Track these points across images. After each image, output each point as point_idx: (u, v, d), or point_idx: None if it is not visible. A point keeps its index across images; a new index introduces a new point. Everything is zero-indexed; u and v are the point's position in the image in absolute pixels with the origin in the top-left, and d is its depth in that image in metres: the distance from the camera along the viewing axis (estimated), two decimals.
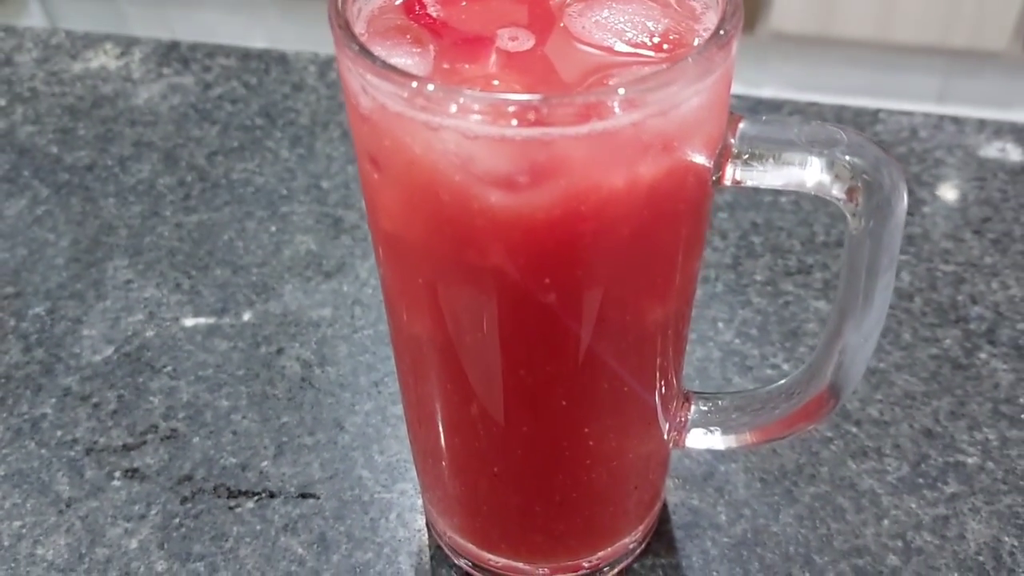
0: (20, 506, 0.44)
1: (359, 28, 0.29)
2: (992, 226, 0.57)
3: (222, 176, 0.63)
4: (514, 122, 0.24)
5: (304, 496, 0.44)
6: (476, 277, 0.29)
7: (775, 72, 1.59)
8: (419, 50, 0.28)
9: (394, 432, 0.47)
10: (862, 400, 0.48)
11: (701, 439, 0.38)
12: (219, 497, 0.44)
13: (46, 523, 0.44)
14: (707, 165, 0.29)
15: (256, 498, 0.44)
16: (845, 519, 0.43)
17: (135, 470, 0.46)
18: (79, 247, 0.58)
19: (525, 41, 0.29)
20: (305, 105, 0.69)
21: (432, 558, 0.42)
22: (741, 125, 0.29)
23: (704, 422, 0.38)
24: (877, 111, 0.66)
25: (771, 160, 0.29)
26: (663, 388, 0.35)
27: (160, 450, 0.46)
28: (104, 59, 0.74)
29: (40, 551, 0.42)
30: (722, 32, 0.27)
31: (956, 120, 0.65)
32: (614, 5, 0.29)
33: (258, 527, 0.43)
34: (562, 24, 0.29)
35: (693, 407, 0.38)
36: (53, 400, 0.49)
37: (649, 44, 0.28)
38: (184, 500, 0.44)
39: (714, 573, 0.41)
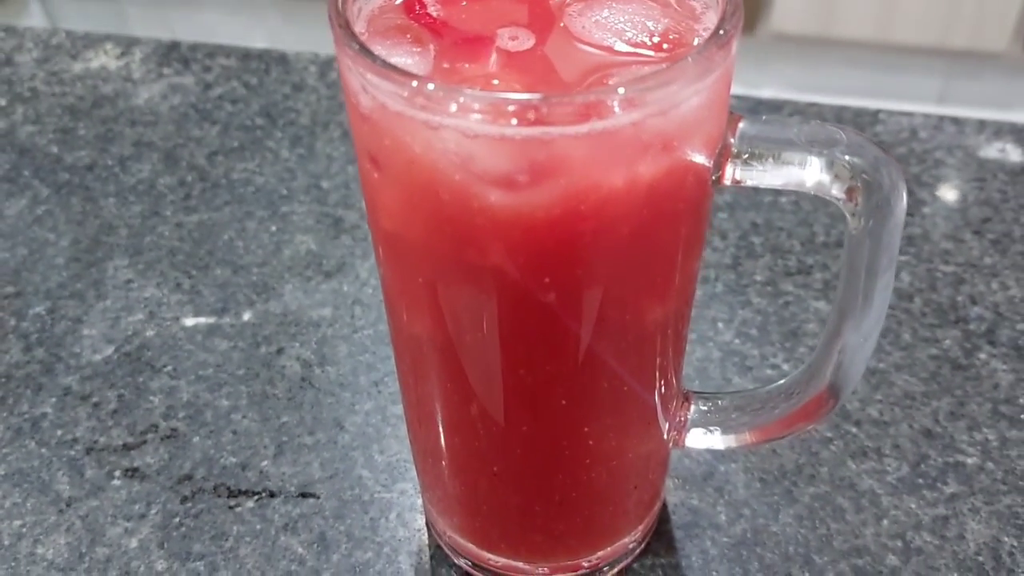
0: (20, 505, 0.44)
1: (359, 27, 0.29)
2: (992, 227, 0.57)
3: (222, 176, 0.63)
4: (514, 121, 0.24)
5: (304, 496, 0.44)
6: (476, 276, 0.29)
7: (775, 73, 1.59)
8: (419, 49, 0.28)
9: (394, 432, 0.47)
10: (862, 400, 0.48)
11: (701, 439, 0.38)
12: (219, 496, 0.44)
13: (46, 522, 0.44)
14: (707, 165, 0.29)
15: (256, 497, 0.44)
16: (845, 519, 0.43)
17: (135, 469, 0.46)
18: (79, 247, 0.58)
19: (525, 41, 0.29)
20: (305, 105, 0.69)
21: (432, 558, 0.42)
22: (741, 125, 0.29)
23: (704, 422, 0.38)
24: (877, 112, 0.66)
25: (771, 160, 0.29)
26: (663, 388, 0.35)
27: (160, 449, 0.47)
28: (104, 59, 0.74)
29: (40, 550, 0.42)
30: (722, 32, 0.27)
31: (956, 121, 0.65)
32: (614, 5, 0.29)
33: (258, 526, 0.43)
34: (562, 24, 0.29)
35: (693, 407, 0.38)
36: (53, 399, 0.49)
37: (649, 44, 0.28)
38: (184, 499, 0.44)
39: (714, 573, 0.41)
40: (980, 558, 0.41)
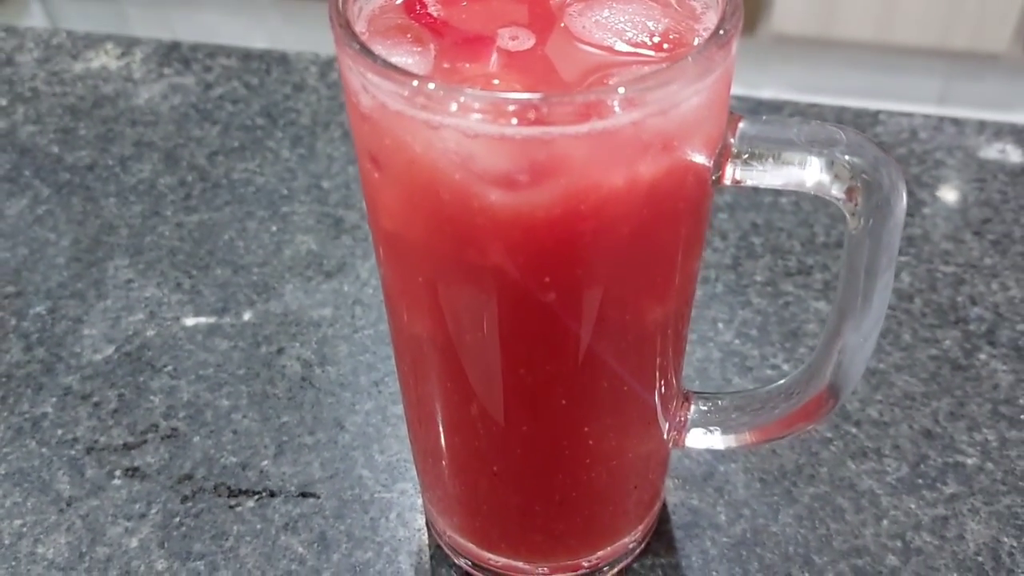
0: (21, 505, 0.44)
1: (360, 27, 0.29)
2: (992, 227, 0.57)
3: (223, 176, 0.63)
4: (514, 121, 0.24)
5: (304, 495, 0.44)
6: (476, 276, 0.29)
7: (776, 74, 1.59)
8: (419, 49, 0.28)
9: (394, 432, 0.47)
10: (862, 401, 0.48)
11: (701, 439, 0.38)
12: (219, 496, 0.44)
13: (47, 522, 0.44)
14: (707, 164, 0.29)
15: (256, 497, 0.44)
16: (844, 519, 0.43)
17: (135, 469, 0.46)
18: (80, 246, 0.58)
19: (525, 41, 0.29)
20: (306, 105, 0.69)
21: (432, 557, 0.42)
22: (741, 125, 0.29)
23: (704, 422, 0.38)
24: (877, 112, 0.66)
25: (771, 160, 0.29)
26: (663, 388, 0.35)
27: (160, 449, 0.47)
28: (105, 59, 0.74)
29: (41, 550, 0.43)
30: (722, 32, 0.27)
31: (956, 121, 0.65)
32: (614, 5, 0.29)
33: (258, 526, 0.43)
34: (562, 24, 0.29)
35: (693, 407, 0.38)
36: (54, 399, 0.49)
37: (649, 44, 0.28)
38: (184, 499, 0.44)
39: (713, 573, 0.41)
40: (980, 558, 0.41)
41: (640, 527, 0.41)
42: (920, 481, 0.44)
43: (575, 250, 0.28)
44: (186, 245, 0.58)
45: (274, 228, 0.59)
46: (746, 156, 0.29)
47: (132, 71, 0.73)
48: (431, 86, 0.25)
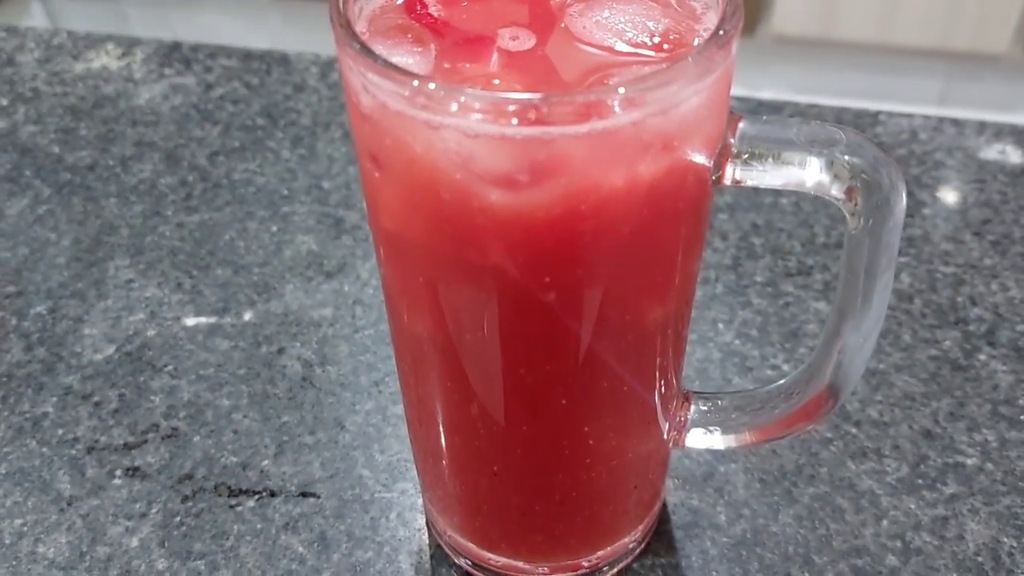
0: (21, 504, 0.44)
1: (360, 27, 0.29)
2: (992, 228, 0.57)
3: (223, 176, 0.63)
4: (514, 121, 0.24)
5: (305, 495, 0.44)
6: (476, 276, 0.29)
7: (776, 75, 1.59)
8: (420, 49, 0.28)
9: (395, 431, 0.47)
10: (862, 401, 0.48)
11: (701, 439, 0.38)
12: (220, 496, 0.45)
13: (47, 521, 0.44)
14: (707, 164, 0.29)
15: (257, 497, 0.44)
16: (844, 519, 0.43)
17: (136, 469, 0.46)
18: (80, 246, 0.58)
19: (526, 41, 0.29)
20: (306, 106, 0.69)
21: (432, 557, 0.42)
22: (741, 125, 0.29)
23: (704, 422, 0.38)
24: (877, 113, 0.66)
25: (771, 160, 0.29)
26: (663, 388, 0.35)
27: (161, 449, 0.47)
28: (106, 59, 0.74)
29: (41, 549, 0.43)
30: (722, 32, 0.27)
31: (956, 122, 0.65)
32: (615, 5, 0.30)
33: (259, 526, 0.43)
34: (563, 24, 0.29)
35: (693, 407, 0.38)
36: (54, 399, 0.49)
37: (649, 44, 0.29)
38: (185, 499, 0.44)
39: (713, 573, 0.41)
40: (979, 558, 0.41)
41: (640, 527, 0.41)
42: (920, 481, 0.44)
43: (575, 250, 0.28)
44: (187, 245, 0.58)
45: (275, 228, 0.59)
46: (746, 156, 0.29)
47: (133, 71, 0.73)
48: (432, 86, 0.25)
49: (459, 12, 0.30)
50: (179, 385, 0.50)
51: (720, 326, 0.52)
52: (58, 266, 0.57)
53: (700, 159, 0.28)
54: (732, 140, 0.29)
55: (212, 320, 0.53)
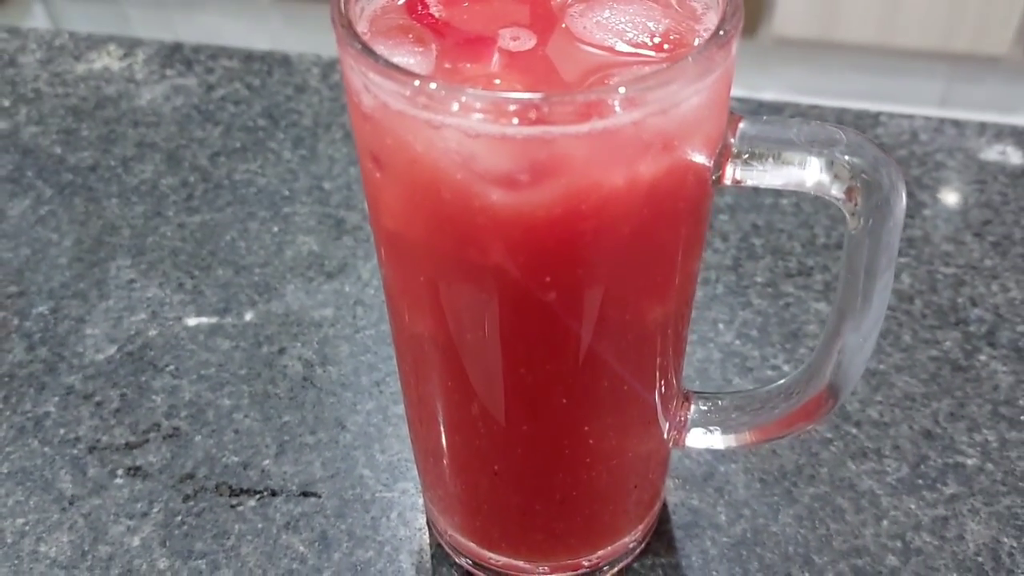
0: (23, 503, 0.44)
1: (362, 27, 0.30)
2: (992, 229, 0.57)
3: (225, 177, 0.63)
4: (515, 121, 0.24)
5: (305, 495, 0.45)
6: (477, 275, 0.29)
7: (777, 76, 1.59)
8: (421, 49, 0.28)
9: (395, 431, 0.47)
10: (862, 401, 0.48)
11: (701, 439, 0.38)
12: (221, 495, 0.45)
13: (49, 520, 0.44)
14: (707, 164, 0.29)
15: (258, 496, 0.44)
16: (844, 519, 0.43)
17: (137, 468, 0.46)
18: (82, 247, 0.58)
19: (527, 41, 0.29)
20: (308, 107, 0.69)
21: (433, 557, 0.42)
22: (741, 125, 0.29)
23: (704, 422, 0.38)
24: (878, 114, 0.66)
25: (771, 160, 0.29)
26: (663, 387, 0.35)
27: (162, 448, 0.47)
28: (107, 60, 0.74)
29: (43, 548, 0.43)
30: (722, 32, 0.27)
31: (957, 123, 0.65)
32: (615, 5, 0.30)
33: (260, 525, 0.43)
34: (563, 24, 0.29)
35: (693, 407, 0.38)
36: (56, 398, 0.49)
37: (650, 44, 0.29)
38: (186, 498, 0.44)
39: (713, 573, 0.41)
40: (980, 559, 0.41)
41: (640, 527, 0.41)
42: (920, 481, 0.44)
43: (576, 250, 0.28)
44: (188, 245, 0.58)
45: (276, 229, 0.59)
46: (746, 156, 0.29)
47: (134, 72, 0.73)
48: (433, 86, 0.25)
49: (460, 12, 0.30)
50: (180, 385, 0.50)
51: (720, 326, 0.52)
52: (60, 266, 0.57)
53: (700, 159, 0.28)
54: (732, 140, 0.29)
55: (213, 320, 0.53)
